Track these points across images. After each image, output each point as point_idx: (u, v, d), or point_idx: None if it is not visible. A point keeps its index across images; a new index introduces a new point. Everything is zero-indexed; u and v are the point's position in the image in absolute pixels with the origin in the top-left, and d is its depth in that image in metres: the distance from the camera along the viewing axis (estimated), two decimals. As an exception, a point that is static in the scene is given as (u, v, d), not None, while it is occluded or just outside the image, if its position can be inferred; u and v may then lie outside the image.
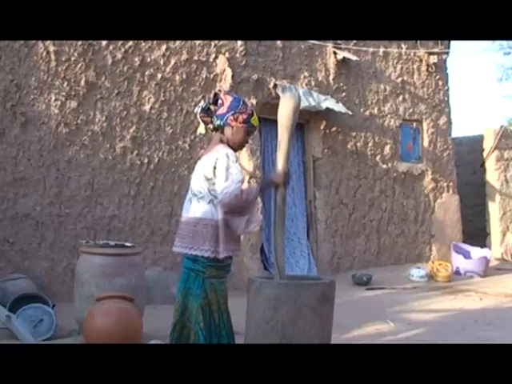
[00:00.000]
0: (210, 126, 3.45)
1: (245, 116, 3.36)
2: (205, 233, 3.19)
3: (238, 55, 7.73)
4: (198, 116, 3.47)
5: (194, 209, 3.26)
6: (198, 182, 3.29)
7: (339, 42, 8.64)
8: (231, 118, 3.35)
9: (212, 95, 3.53)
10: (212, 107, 3.44)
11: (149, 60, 7.06)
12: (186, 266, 3.29)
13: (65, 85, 6.47)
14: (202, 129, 3.55)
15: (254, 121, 3.42)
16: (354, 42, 8.86)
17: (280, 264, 3.37)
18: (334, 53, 8.67)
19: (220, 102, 3.42)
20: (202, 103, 3.50)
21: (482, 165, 10.99)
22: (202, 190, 3.25)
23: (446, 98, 10.15)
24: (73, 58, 6.52)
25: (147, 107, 7.02)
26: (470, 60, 41.50)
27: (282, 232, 3.42)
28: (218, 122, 3.38)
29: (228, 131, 3.37)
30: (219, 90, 3.62)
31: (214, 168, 3.20)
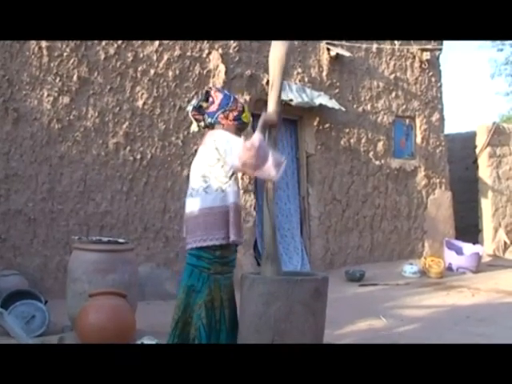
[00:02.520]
0: (202, 123, 3.46)
1: (235, 113, 3.37)
2: (217, 221, 3.21)
3: (231, 51, 7.72)
4: (190, 114, 3.47)
5: (201, 201, 3.25)
6: (200, 173, 3.29)
7: (332, 38, 8.64)
8: (221, 116, 3.35)
9: (203, 92, 3.53)
10: (204, 104, 3.45)
11: (142, 56, 7.04)
12: (189, 263, 3.29)
13: (57, 80, 6.44)
14: (194, 127, 3.55)
15: (245, 117, 3.42)
16: (348, 38, 8.87)
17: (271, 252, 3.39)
18: (328, 49, 8.67)
19: (211, 99, 3.42)
20: (193, 101, 3.50)
21: (475, 161, 11.03)
22: (207, 180, 3.25)
23: (438, 95, 10.17)
24: (65, 54, 6.49)
25: (140, 103, 7.00)
26: (463, 56, 41.60)
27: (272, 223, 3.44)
28: (209, 120, 3.39)
29: (219, 129, 3.37)
30: (210, 87, 3.62)
31: (216, 149, 3.22)
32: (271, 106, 3.39)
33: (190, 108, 3.49)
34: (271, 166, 3.13)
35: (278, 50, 3.43)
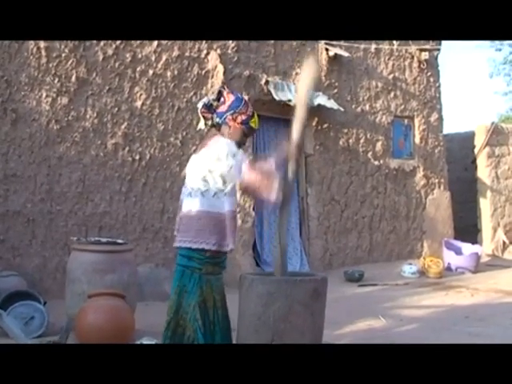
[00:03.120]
0: (210, 122, 3.45)
1: (244, 117, 3.36)
2: (211, 226, 3.19)
3: (229, 51, 7.72)
4: (199, 111, 3.47)
5: (198, 203, 3.23)
6: (199, 175, 3.27)
7: (331, 38, 8.63)
8: (230, 117, 3.35)
9: (216, 92, 3.53)
10: (214, 103, 3.45)
11: (140, 56, 7.03)
12: (180, 264, 3.28)
13: (56, 81, 6.44)
14: (201, 124, 3.55)
15: (254, 123, 3.42)
16: (346, 38, 8.85)
17: (282, 247, 3.39)
18: (326, 49, 8.67)
19: (222, 99, 3.42)
20: (205, 99, 3.50)
21: (474, 161, 11.03)
22: (206, 184, 3.23)
23: (437, 95, 10.17)
24: (64, 54, 6.49)
25: (138, 103, 6.99)
26: (462, 56, 41.64)
27: (286, 215, 3.44)
28: (217, 120, 3.39)
29: (225, 130, 3.37)
30: (223, 87, 3.62)
31: (218, 159, 3.22)
32: (294, 136, 3.37)
33: (200, 105, 3.49)
34: (272, 194, 3.13)
35: (306, 75, 3.47)
